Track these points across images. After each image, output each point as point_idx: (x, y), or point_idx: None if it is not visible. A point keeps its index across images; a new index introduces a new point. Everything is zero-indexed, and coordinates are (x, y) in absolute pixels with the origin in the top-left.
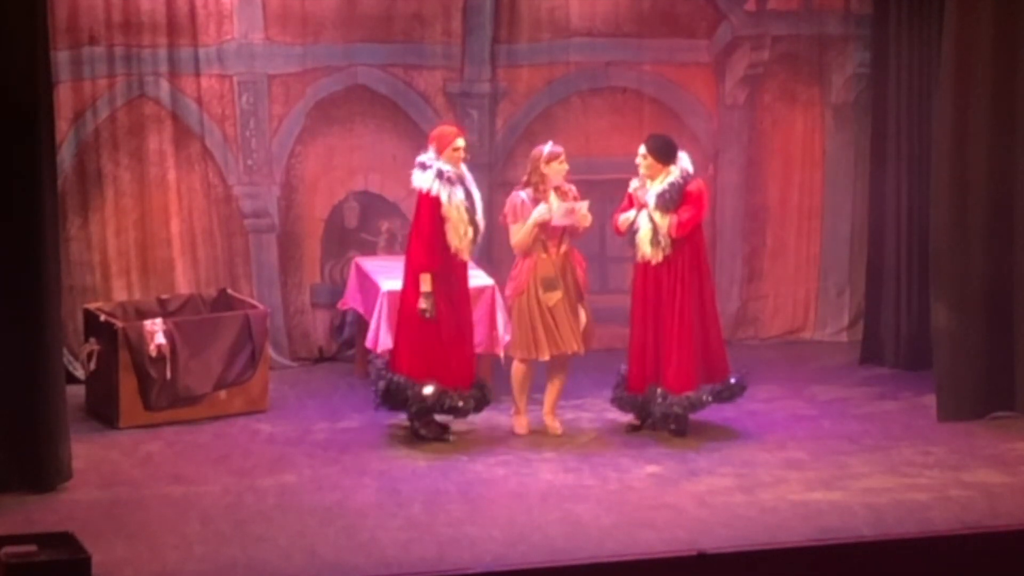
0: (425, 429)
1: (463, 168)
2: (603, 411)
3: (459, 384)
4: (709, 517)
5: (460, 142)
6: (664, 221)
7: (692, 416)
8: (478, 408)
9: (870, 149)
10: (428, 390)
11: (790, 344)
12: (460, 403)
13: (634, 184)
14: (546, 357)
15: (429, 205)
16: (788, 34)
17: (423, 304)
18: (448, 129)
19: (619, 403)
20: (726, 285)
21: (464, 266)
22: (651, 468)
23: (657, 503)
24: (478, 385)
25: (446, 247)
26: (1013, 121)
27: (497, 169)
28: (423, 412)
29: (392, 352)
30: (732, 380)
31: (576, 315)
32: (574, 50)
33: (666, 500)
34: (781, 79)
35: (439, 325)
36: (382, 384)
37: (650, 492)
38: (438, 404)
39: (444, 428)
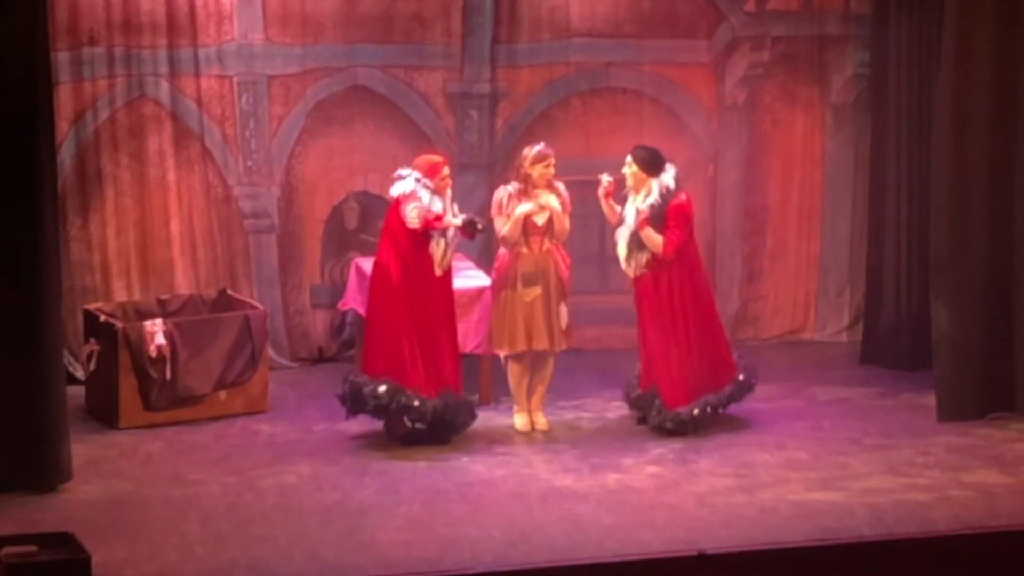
0: (423, 428)
1: (448, 195)
2: (603, 411)
3: (421, 388)
4: (709, 517)
5: (447, 170)
6: (653, 240)
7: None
8: (435, 419)
9: (870, 149)
10: (382, 388)
11: (790, 344)
12: (416, 403)
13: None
14: (520, 349)
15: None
16: (788, 34)
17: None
18: (434, 158)
19: (628, 400)
20: (726, 285)
21: (445, 280)
22: (651, 468)
23: (657, 503)
24: (444, 397)
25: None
26: (1013, 121)
27: (497, 169)
28: (380, 410)
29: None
30: (740, 377)
31: (556, 313)
32: (574, 50)
33: (666, 500)
34: (781, 79)
35: (409, 327)
36: (346, 388)
37: (650, 492)
38: (392, 402)
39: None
